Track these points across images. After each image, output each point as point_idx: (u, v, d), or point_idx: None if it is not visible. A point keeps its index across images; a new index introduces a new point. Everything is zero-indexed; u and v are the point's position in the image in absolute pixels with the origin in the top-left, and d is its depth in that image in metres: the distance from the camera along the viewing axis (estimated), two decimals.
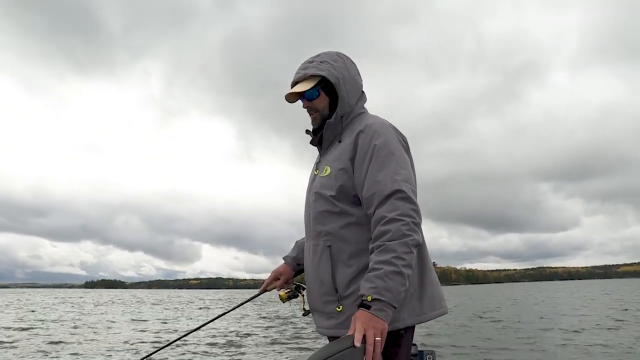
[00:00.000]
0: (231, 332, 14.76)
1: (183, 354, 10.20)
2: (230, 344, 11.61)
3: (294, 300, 2.26)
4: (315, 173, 2.00)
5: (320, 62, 1.94)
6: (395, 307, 1.62)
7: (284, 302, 2.26)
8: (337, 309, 1.80)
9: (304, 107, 2.00)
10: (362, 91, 2.03)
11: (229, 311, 2.52)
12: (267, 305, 32.97)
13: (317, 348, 1.56)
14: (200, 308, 33.24)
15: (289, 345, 11.29)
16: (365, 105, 2.04)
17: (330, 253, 1.83)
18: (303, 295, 2.20)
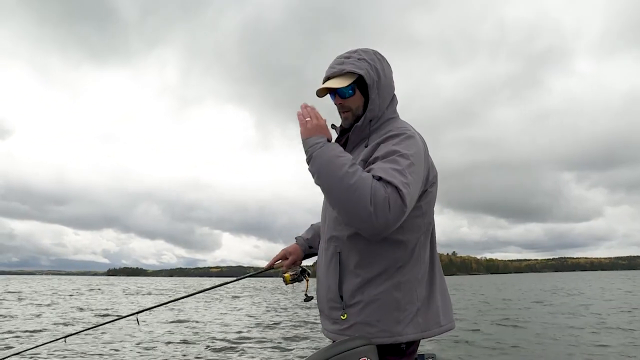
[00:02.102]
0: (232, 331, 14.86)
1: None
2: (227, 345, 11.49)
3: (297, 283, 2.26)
4: None
5: (359, 59, 1.84)
6: (310, 156, 1.69)
7: (286, 284, 2.26)
8: (342, 316, 1.79)
9: (335, 103, 1.90)
10: (394, 94, 1.94)
11: (226, 283, 2.54)
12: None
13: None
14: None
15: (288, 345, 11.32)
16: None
17: (339, 259, 1.81)
18: (307, 280, 2.20)
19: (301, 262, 2.29)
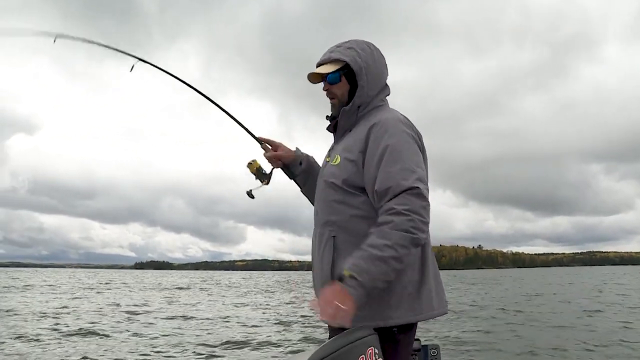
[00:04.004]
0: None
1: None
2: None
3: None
4: (327, 160, 1.99)
5: (348, 47, 1.92)
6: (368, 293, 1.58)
7: (247, 168, 2.18)
8: None
9: (323, 89, 1.98)
10: (386, 84, 2.00)
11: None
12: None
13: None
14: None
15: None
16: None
17: (334, 243, 1.82)
18: (263, 184, 2.14)
19: (281, 164, 2.21)
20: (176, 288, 35.27)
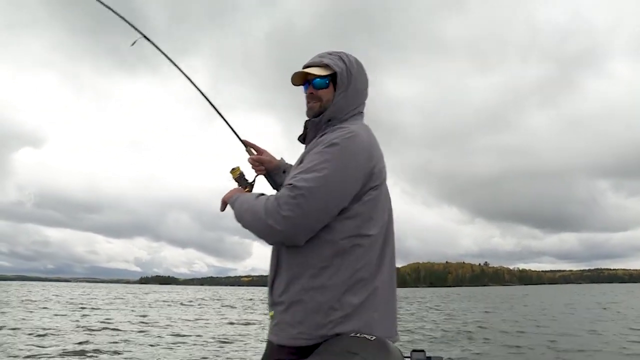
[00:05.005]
0: None
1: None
2: None
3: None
4: None
5: (339, 58, 1.87)
6: (233, 207, 1.89)
7: (230, 174, 2.14)
8: (270, 314, 1.76)
9: (306, 92, 1.90)
10: (363, 103, 1.93)
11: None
12: None
13: None
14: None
15: None
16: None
17: (277, 255, 1.78)
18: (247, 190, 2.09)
19: (264, 171, 2.19)
20: (180, 304, 35.10)
